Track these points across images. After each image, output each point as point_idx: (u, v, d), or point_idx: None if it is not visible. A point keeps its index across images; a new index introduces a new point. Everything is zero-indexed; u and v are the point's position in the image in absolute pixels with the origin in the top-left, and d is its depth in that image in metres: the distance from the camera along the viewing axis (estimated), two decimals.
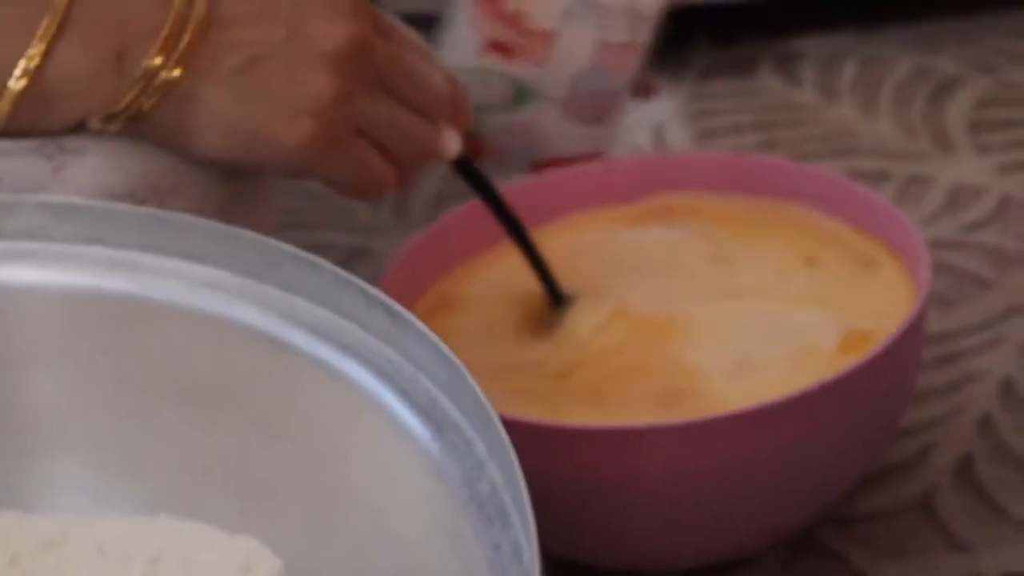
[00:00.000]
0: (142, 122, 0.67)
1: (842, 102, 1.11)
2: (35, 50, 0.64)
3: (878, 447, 0.77)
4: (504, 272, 0.82)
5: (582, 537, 0.73)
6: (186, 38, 0.65)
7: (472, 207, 0.83)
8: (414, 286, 0.79)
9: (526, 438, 0.56)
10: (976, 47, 1.14)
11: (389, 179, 0.71)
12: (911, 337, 0.73)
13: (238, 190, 0.74)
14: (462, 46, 0.90)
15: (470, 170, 0.78)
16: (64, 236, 0.64)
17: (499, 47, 0.90)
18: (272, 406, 0.61)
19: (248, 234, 0.62)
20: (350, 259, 0.99)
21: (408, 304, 0.71)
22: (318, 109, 0.67)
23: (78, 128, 0.67)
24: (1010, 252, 0.94)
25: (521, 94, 0.91)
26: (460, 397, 0.55)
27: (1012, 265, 0.93)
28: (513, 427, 0.53)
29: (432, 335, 0.56)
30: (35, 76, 0.65)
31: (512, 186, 0.84)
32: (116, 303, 0.63)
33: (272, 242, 0.62)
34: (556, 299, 0.80)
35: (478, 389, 0.53)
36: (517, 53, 0.91)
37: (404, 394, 0.57)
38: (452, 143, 0.74)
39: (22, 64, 0.64)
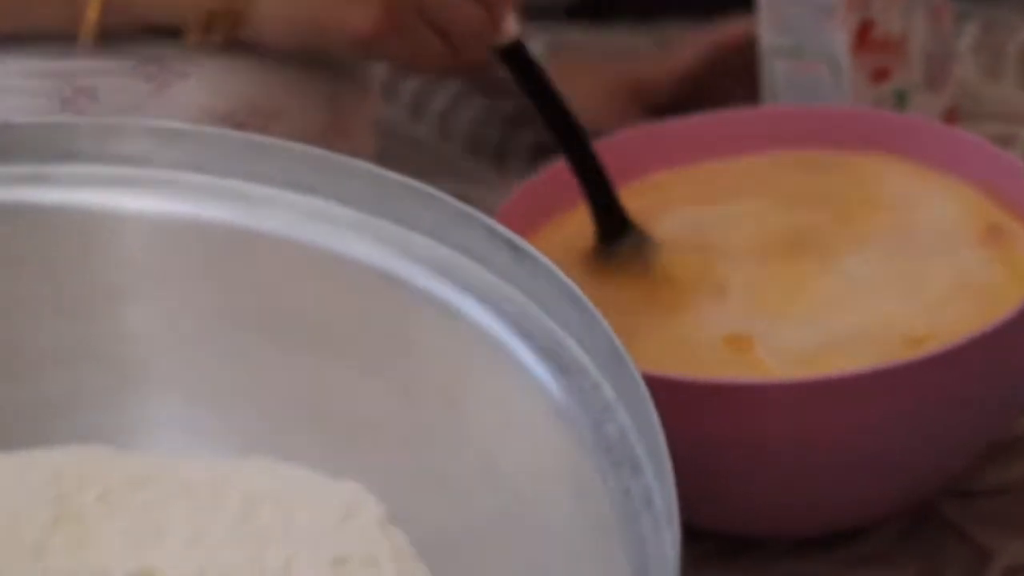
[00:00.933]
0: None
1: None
2: None
3: (1006, 418, 0.74)
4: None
5: (700, 499, 0.70)
6: None
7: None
8: (529, 226, 0.77)
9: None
10: None
11: (446, 59, 0.72)
12: None
13: (337, 121, 0.73)
14: None
15: (522, 58, 0.75)
16: (167, 162, 0.62)
17: None
18: (382, 345, 0.59)
19: (359, 163, 0.60)
20: None
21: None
22: None
23: (179, 48, 0.66)
24: None
25: None
26: (589, 339, 0.52)
27: None
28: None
29: (560, 273, 0.53)
30: None
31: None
32: (218, 233, 0.61)
33: (385, 172, 0.60)
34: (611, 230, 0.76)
35: (610, 331, 0.51)
36: None
37: (526, 334, 0.54)
38: (510, 24, 0.73)
39: None
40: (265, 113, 0.68)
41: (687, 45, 1.01)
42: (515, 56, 0.74)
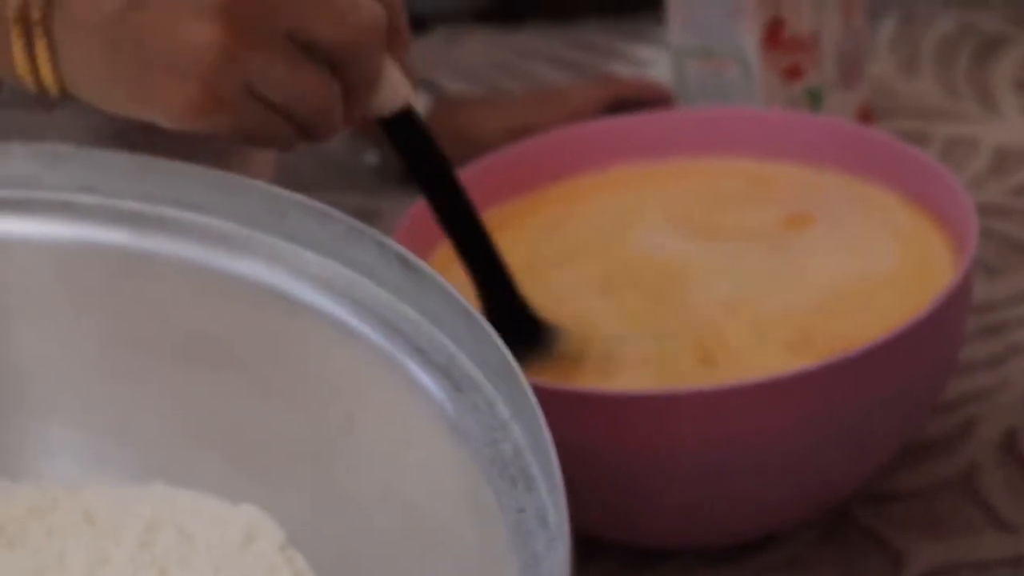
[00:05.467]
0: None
1: (881, 60, 1.10)
2: None
3: (918, 420, 0.76)
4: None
5: (603, 512, 0.72)
6: None
7: (489, 164, 0.82)
8: (426, 241, 0.78)
9: (545, 404, 0.55)
10: (1022, 3, 1.13)
11: (291, 138, 0.64)
12: (955, 305, 0.72)
13: None
14: None
15: (407, 131, 0.66)
16: (56, 184, 0.63)
17: None
18: (276, 366, 0.60)
19: (252, 183, 0.61)
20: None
21: (422, 258, 0.70)
22: (199, 69, 0.60)
23: None
24: None
25: None
26: (482, 355, 0.54)
27: None
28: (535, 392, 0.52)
29: (452, 288, 0.55)
30: None
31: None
32: (110, 255, 0.62)
33: (278, 191, 0.61)
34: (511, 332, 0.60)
35: (502, 345, 0.52)
36: None
37: (419, 352, 0.56)
38: (395, 89, 0.65)
39: None
40: (157, 132, 0.68)
41: (579, 95, 1.03)
42: (399, 128, 0.66)
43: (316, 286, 0.59)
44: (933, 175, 0.79)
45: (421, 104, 0.99)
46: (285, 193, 0.61)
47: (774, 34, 0.96)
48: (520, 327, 0.72)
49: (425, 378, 0.55)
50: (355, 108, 0.64)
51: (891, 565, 0.74)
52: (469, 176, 0.82)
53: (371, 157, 1.04)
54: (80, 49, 0.62)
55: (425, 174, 0.68)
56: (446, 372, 0.55)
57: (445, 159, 0.68)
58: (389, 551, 0.56)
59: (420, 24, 1.05)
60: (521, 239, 0.80)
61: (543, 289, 0.76)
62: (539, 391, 0.52)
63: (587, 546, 0.74)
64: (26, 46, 0.62)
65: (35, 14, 0.62)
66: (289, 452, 0.60)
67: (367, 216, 0.99)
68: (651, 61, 1.13)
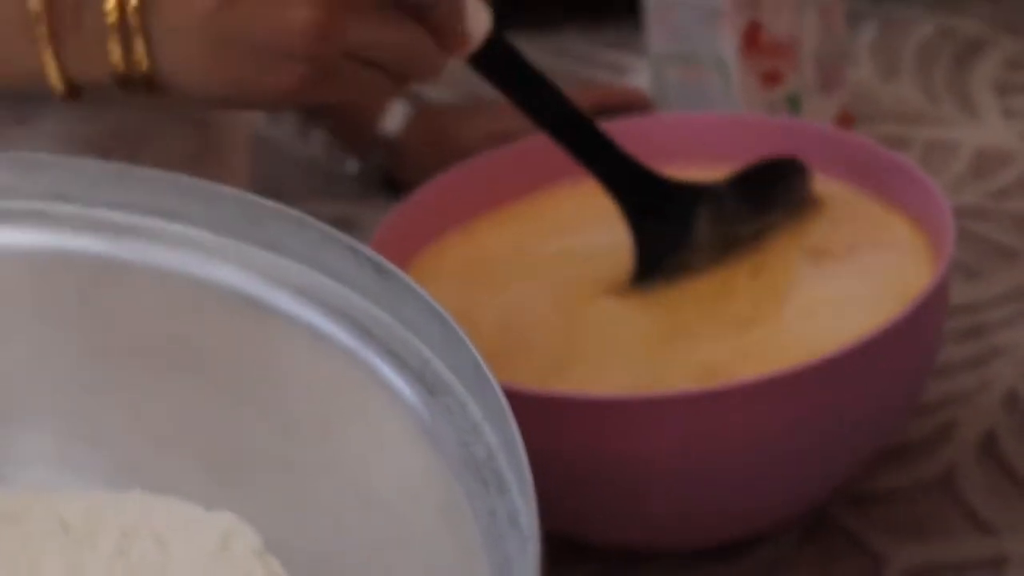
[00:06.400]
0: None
1: (861, 65, 1.11)
2: None
3: (898, 423, 0.76)
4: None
5: (583, 515, 0.72)
6: None
7: (468, 169, 0.83)
8: (403, 252, 0.79)
9: (523, 408, 0.56)
10: (1002, 7, 1.14)
11: (391, 89, 0.68)
12: (932, 307, 0.72)
13: (210, 144, 0.73)
14: None
15: (499, 58, 0.68)
16: (30, 193, 0.64)
17: None
18: (251, 372, 0.61)
19: (226, 189, 0.62)
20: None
21: (400, 267, 0.70)
22: (305, 49, 0.64)
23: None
24: None
25: None
26: (455, 358, 0.54)
27: None
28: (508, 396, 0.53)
29: (425, 293, 0.56)
30: None
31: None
32: (85, 263, 0.63)
33: (252, 198, 0.61)
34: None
35: (474, 350, 0.53)
36: None
37: (393, 356, 0.56)
38: (478, 24, 0.67)
39: None
40: (132, 139, 0.68)
41: None
42: (490, 57, 0.68)
43: (291, 292, 0.60)
44: (912, 179, 0.79)
45: (400, 113, 1.00)
46: (260, 200, 0.61)
47: (752, 39, 0.96)
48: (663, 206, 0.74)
49: (399, 382, 0.56)
50: (449, 44, 0.67)
51: (871, 567, 0.74)
52: (450, 181, 0.83)
53: (352, 165, 1.05)
54: (179, 47, 0.65)
55: (528, 94, 0.70)
56: (420, 376, 0.55)
57: (545, 76, 0.70)
58: (364, 555, 0.56)
59: None
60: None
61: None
62: (516, 396, 0.53)
63: (570, 548, 0.75)
64: (122, 42, 0.64)
65: (132, 17, 0.64)
66: (264, 458, 0.60)
67: (347, 224, 0.99)
68: (632, 68, 1.13)
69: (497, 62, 0.70)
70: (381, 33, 0.65)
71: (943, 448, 0.80)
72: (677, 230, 0.76)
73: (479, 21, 0.68)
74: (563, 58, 1.17)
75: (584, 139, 0.73)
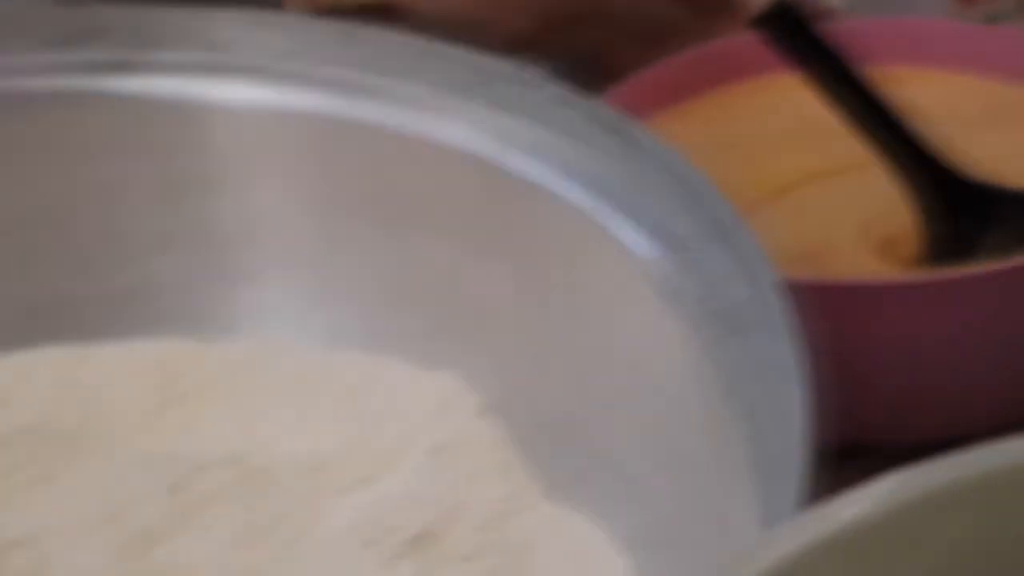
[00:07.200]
0: None
1: None
2: None
3: None
4: None
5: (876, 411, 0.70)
6: None
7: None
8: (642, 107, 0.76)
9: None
10: None
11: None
12: None
13: None
14: None
15: (786, 25, 0.63)
16: (258, 49, 0.64)
17: None
18: (484, 232, 0.61)
19: (455, 50, 0.62)
20: None
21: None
22: None
23: None
24: None
25: None
26: (698, 213, 0.54)
27: None
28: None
29: (666, 149, 0.55)
30: None
31: None
32: (313, 121, 0.63)
33: (481, 58, 0.61)
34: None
35: (721, 200, 0.52)
36: None
37: (632, 214, 0.56)
38: None
39: None
40: None
41: None
42: (776, 20, 0.64)
43: (523, 152, 0.59)
44: None
45: None
46: (488, 59, 0.61)
47: None
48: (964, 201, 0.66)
49: (637, 238, 0.56)
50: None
51: None
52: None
53: None
54: None
55: (824, 69, 0.65)
56: (659, 233, 0.55)
57: (832, 45, 0.64)
58: (598, 413, 0.56)
59: None
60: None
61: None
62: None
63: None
64: None
65: None
66: (496, 318, 0.60)
67: None
68: None
69: (784, 23, 0.64)
70: None
71: None
72: (966, 235, 0.68)
73: None
74: None
75: (886, 129, 0.65)
